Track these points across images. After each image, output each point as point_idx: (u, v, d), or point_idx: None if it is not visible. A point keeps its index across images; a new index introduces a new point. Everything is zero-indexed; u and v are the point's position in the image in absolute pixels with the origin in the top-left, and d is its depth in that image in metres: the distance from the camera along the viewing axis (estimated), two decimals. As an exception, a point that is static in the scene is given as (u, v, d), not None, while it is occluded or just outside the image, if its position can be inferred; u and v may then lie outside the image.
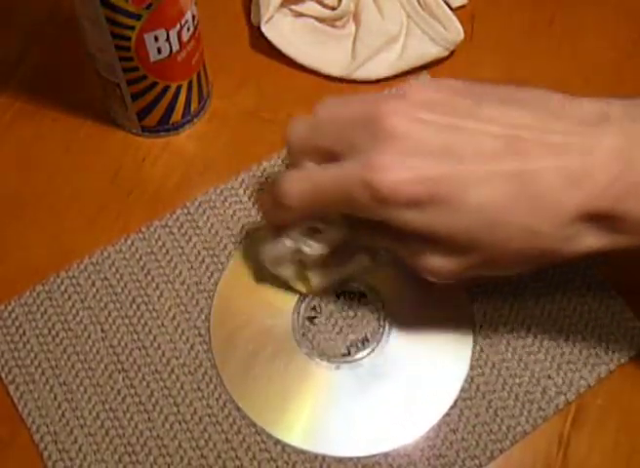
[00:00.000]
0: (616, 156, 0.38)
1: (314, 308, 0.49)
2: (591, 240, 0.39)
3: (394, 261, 0.46)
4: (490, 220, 0.39)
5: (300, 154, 0.44)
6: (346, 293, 0.49)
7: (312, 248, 0.46)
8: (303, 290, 0.49)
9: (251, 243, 0.50)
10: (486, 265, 0.41)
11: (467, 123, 0.40)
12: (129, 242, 0.51)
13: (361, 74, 0.56)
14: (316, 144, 0.43)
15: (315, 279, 0.48)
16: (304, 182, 0.43)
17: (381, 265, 0.48)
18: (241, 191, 0.52)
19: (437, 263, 0.42)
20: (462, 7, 0.59)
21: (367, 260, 0.48)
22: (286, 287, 0.49)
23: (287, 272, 0.48)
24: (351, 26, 0.57)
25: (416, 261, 0.43)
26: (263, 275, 0.49)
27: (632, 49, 0.58)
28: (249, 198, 0.52)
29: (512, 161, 0.39)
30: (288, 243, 0.46)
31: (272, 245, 0.47)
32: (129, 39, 0.48)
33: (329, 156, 0.42)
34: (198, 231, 0.51)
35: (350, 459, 0.45)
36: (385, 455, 0.45)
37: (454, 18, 0.56)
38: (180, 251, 0.51)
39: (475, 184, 0.39)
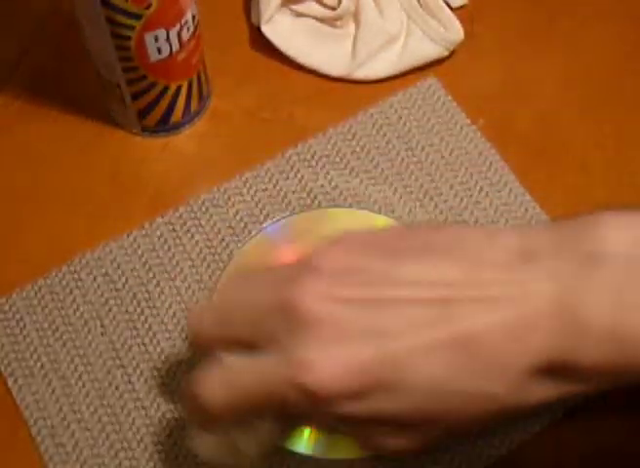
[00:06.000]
0: (551, 304, 0.36)
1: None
2: (548, 391, 0.38)
3: None
4: (438, 394, 0.37)
5: (209, 346, 0.41)
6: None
7: (249, 446, 0.42)
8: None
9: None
10: (445, 435, 0.40)
11: (389, 292, 0.38)
12: (131, 238, 0.52)
13: (361, 74, 0.57)
14: (226, 335, 0.41)
15: (255, 458, 0.44)
16: (224, 387, 0.39)
17: None
18: (245, 191, 0.54)
19: (392, 443, 0.40)
20: (462, 7, 0.60)
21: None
22: None
23: (228, 460, 0.44)
24: (351, 26, 0.58)
25: (368, 444, 0.41)
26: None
27: (632, 49, 0.59)
28: (252, 198, 0.54)
29: (448, 326, 0.37)
30: (219, 436, 0.43)
31: (205, 442, 0.44)
32: (129, 39, 0.49)
33: (243, 345, 0.40)
34: (201, 229, 0.53)
35: (345, 462, 0.46)
36: (380, 459, 0.46)
37: (454, 18, 0.58)
38: (181, 248, 0.52)
39: (414, 361, 0.37)
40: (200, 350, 0.43)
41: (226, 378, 0.40)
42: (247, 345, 0.39)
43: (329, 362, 0.37)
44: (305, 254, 0.40)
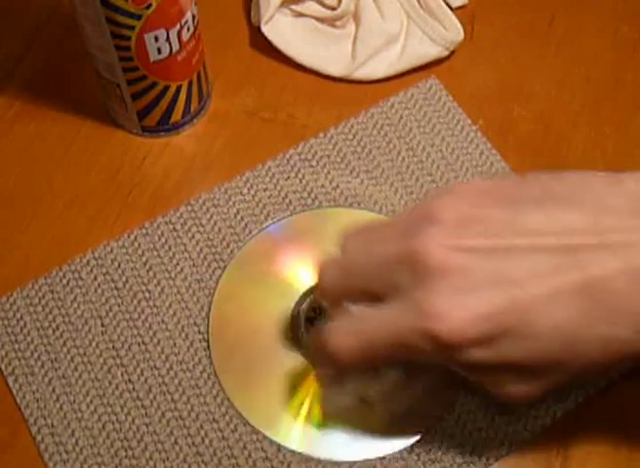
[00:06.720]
0: None
1: (314, 309, 0.50)
2: None
3: None
4: (566, 340, 0.38)
5: (338, 297, 0.43)
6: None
7: (376, 390, 0.46)
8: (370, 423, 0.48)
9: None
10: (569, 379, 0.41)
11: (515, 241, 0.38)
12: (132, 237, 0.53)
13: (361, 74, 0.58)
14: (353, 287, 0.42)
15: (385, 413, 0.48)
16: (353, 337, 0.41)
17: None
18: (245, 190, 0.54)
19: (517, 390, 0.41)
20: (462, 7, 0.60)
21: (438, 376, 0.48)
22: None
23: (351, 414, 0.48)
24: (351, 26, 0.59)
25: (494, 389, 0.42)
26: (264, 276, 0.51)
27: (632, 49, 0.59)
28: (252, 198, 0.54)
29: (575, 273, 0.37)
30: (349, 389, 0.47)
31: (333, 394, 0.47)
32: (129, 39, 0.49)
33: (369, 295, 0.41)
34: (201, 229, 0.53)
35: (346, 463, 0.46)
36: (381, 460, 0.46)
37: (454, 18, 0.58)
38: (182, 247, 0.53)
39: (542, 307, 0.37)
40: (329, 302, 0.44)
41: (355, 328, 0.41)
42: (372, 296, 0.40)
43: (458, 310, 0.37)
44: (421, 207, 0.41)
